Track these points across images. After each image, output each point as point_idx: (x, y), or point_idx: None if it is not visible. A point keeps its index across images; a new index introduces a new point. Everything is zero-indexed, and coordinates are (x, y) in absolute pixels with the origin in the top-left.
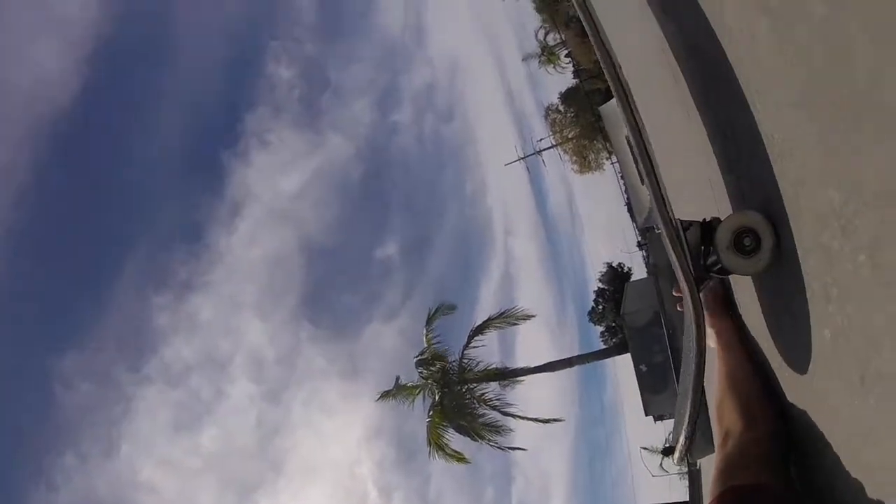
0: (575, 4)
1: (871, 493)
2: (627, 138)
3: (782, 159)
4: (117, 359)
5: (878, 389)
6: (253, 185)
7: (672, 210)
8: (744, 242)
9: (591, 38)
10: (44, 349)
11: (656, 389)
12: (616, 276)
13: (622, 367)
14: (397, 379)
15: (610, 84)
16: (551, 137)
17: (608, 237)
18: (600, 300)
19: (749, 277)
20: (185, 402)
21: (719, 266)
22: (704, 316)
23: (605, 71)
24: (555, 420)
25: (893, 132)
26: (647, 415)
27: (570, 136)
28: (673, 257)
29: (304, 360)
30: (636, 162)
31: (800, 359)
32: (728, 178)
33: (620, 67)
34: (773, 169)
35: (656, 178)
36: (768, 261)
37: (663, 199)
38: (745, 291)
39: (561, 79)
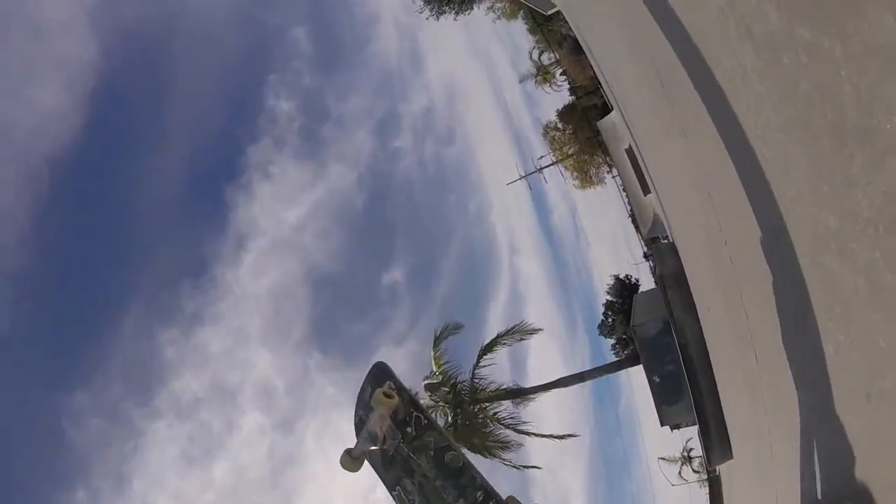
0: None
1: None
2: (627, 151)
3: (776, 178)
4: (126, 394)
5: (886, 407)
6: (257, 217)
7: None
8: None
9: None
10: (52, 387)
11: (671, 400)
12: (624, 288)
13: (635, 379)
14: None
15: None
16: (551, 155)
17: (614, 250)
18: (609, 313)
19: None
20: (196, 435)
21: None
22: None
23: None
24: (570, 435)
25: (883, 161)
26: (662, 425)
27: (569, 152)
28: None
29: (314, 390)
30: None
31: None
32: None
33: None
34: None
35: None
36: None
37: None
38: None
39: (557, 97)
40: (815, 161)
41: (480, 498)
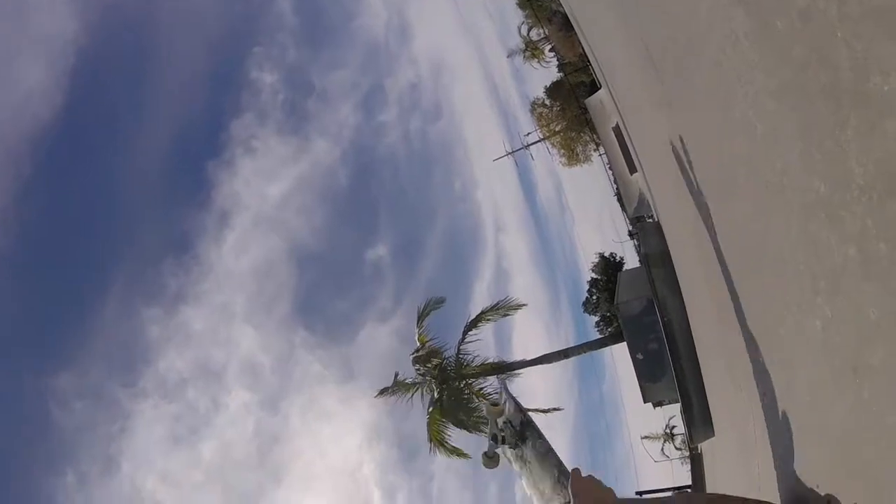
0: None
1: (870, 488)
2: (615, 129)
3: (766, 148)
4: (111, 374)
5: (871, 382)
6: (240, 193)
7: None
8: None
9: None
10: (37, 369)
11: (654, 377)
12: (609, 266)
13: (619, 357)
14: (396, 375)
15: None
16: (538, 131)
17: (599, 228)
18: (594, 290)
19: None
20: (182, 414)
21: None
22: None
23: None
24: (554, 409)
25: (879, 124)
26: (645, 402)
27: (557, 129)
28: None
29: (299, 367)
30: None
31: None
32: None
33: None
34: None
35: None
36: None
37: None
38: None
39: (546, 73)
40: (808, 127)
41: (556, 474)
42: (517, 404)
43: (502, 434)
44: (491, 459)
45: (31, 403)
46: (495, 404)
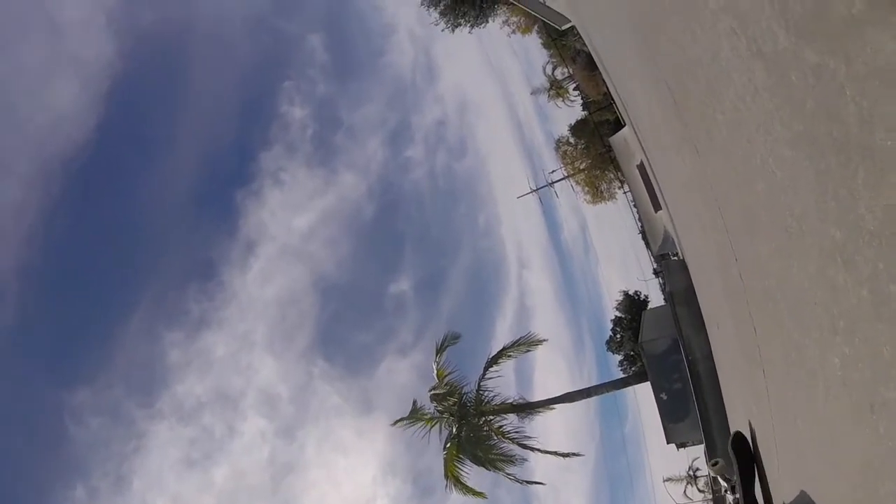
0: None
1: None
2: (639, 167)
3: (785, 194)
4: (129, 394)
5: (888, 418)
6: (267, 223)
7: None
8: None
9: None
10: (56, 382)
11: (677, 417)
12: (633, 304)
13: (642, 396)
14: (414, 403)
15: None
16: (562, 169)
17: (623, 265)
18: (618, 329)
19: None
20: (197, 438)
21: None
22: None
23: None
24: (573, 454)
25: (884, 177)
26: (668, 443)
27: (581, 167)
28: None
29: (317, 398)
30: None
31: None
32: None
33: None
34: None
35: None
36: None
37: None
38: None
39: (570, 111)
40: (822, 176)
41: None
42: (730, 462)
43: (735, 484)
44: None
45: (48, 416)
46: (715, 463)
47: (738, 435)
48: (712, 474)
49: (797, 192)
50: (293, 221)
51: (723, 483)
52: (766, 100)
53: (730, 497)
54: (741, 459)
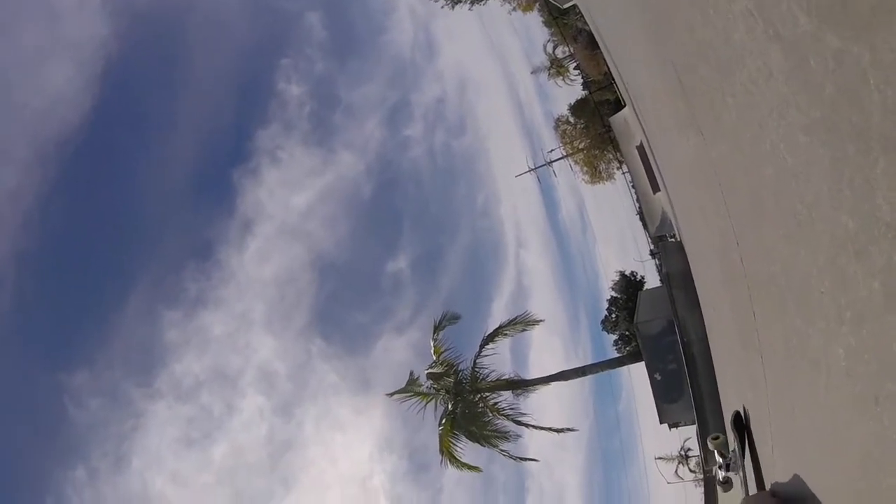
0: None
1: None
2: (638, 148)
3: (796, 180)
4: (128, 374)
5: (893, 411)
6: (264, 202)
7: None
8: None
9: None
10: (55, 365)
11: (671, 398)
12: (629, 285)
13: (637, 376)
14: (411, 374)
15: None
16: (561, 148)
17: (620, 246)
18: (613, 309)
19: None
20: (195, 417)
21: None
22: None
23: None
24: (568, 430)
25: None
26: (661, 423)
27: (580, 146)
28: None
29: (315, 376)
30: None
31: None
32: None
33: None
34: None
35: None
36: None
37: None
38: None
39: (570, 91)
40: (838, 164)
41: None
42: (734, 436)
43: (730, 461)
44: (726, 485)
45: (47, 398)
46: (716, 437)
47: (737, 414)
48: (711, 447)
49: (809, 178)
50: (291, 200)
51: (718, 458)
52: (782, 83)
53: (720, 473)
54: (741, 437)
